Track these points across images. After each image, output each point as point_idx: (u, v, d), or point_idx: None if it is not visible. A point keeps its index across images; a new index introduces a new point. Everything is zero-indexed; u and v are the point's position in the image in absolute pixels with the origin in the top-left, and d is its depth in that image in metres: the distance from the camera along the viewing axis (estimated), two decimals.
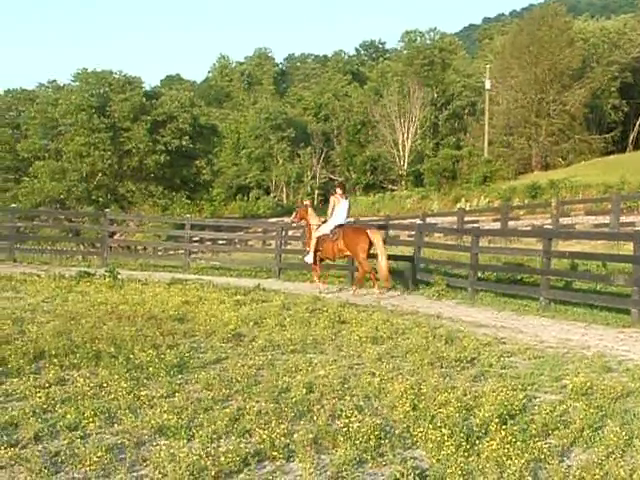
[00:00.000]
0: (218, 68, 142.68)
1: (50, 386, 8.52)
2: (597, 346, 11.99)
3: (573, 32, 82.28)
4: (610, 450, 6.72)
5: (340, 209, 19.78)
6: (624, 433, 7.08)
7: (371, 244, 19.02)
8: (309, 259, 20.32)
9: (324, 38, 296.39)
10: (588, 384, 8.82)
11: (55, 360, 9.49)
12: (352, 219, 21.41)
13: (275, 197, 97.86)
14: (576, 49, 79.31)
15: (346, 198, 20.19)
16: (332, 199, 20.21)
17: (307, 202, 22.52)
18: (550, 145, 77.58)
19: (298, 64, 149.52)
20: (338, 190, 20.11)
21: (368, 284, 19.64)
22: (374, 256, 19.14)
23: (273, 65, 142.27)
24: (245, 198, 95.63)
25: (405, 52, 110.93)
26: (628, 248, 16.26)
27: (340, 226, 19.57)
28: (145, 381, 8.86)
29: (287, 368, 9.66)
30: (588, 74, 79.60)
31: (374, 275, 19.24)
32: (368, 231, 19.39)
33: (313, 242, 19.94)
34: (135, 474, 6.28)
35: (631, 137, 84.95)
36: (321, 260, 20.34)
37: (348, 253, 19.66)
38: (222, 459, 6.36)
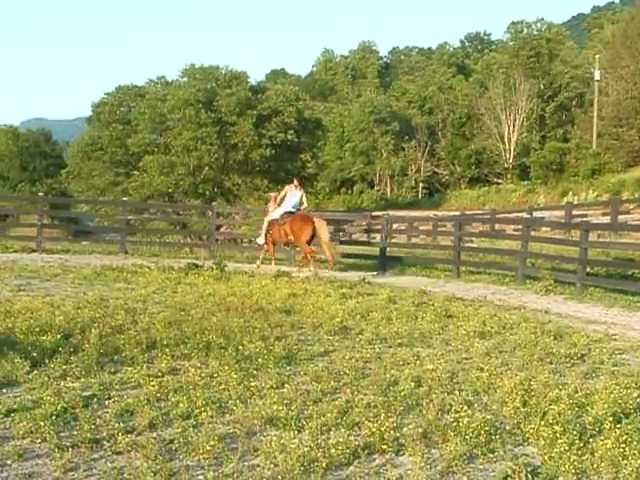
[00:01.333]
0: (322, 62, 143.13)
1: (163, 375, 8.73)
2: None
3: None
4: None
5: (291, 198, 21.89)
6: None
7: (315, 233, 21.10)
8: (260, 240, 22.60)
9: (428, 30, 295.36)
10: None
11: (167, 350, 9.71)
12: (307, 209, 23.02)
13: (379, 190, 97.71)
14: None
15: (300, 190, 22.33)
16: (285, 188, 22.72)
17: (273, 194, 24.08)
18: None
19: (402, 57, 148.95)
20: (294, 182, 22.63)
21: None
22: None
23: (377, 58, 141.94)
24: (349, 191, 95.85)
25: (511, 43, 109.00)
26: None
27: (291, 214, 21.55)
28: (254, 372, 8.98)
29: (395, 361, 9.67)
30: None
31: (312, 257, 21.27)
32: (315, 220, 21.47)
33: (265, 225, 22.16)
34: (247, 463, 6.39)
35: None
36: (273, 243, 22.31)
37: (291, 238, 21.52)
38: (332, 451, 6.41)
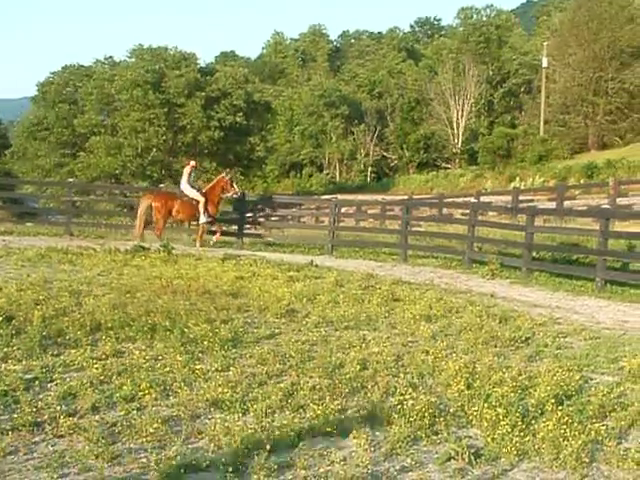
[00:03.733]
0: (272, 45, 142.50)
1: (107, 358, 8.63)
2: None
3: (633, 8, 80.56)
4: None
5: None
6: None
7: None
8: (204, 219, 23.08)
9: (379, 15, 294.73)
10: None
11: (111, 332, 9.59)
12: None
13: (328, 174, 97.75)
14: (636, 26, 77.60)
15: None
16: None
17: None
18: (607, 124, 76.33)
19: (352, 41, 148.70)
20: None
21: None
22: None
23: (327, 42, 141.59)
24: (298, 175, 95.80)
25: (461, 29, 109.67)
26: None
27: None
28: (200, 355, 8.94)
29: (341, 344, 9.69)
30: None
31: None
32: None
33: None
34: (190, 446, 6.36)
35: None
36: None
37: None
38: (277, 433, 6.41)
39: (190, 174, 23.23)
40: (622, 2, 77.60)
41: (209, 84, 62.56)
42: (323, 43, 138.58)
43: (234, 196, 24.19)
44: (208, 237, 23.53)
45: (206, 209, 22.60)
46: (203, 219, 22.72)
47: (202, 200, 22.57)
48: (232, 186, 23.42)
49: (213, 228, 23.70)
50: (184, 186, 22.91)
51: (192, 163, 24.08)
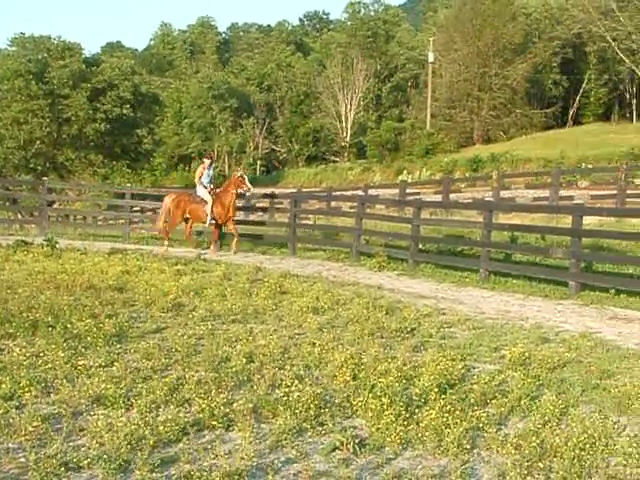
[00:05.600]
0: (160, 36, 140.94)
1: None
2: (535, 317, 12.14)
3: (516, 7, 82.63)
4: (546, 419, 6.82)
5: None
6: (560, 402, 7.19)
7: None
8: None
9: (268, 8, 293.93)
10: (526, 354, 8.92)
11: None
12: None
13: (217, 167, 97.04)
14: (519, 24, 79.74)
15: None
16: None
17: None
18: (492, 119, 78.05)
19: (241, 34, 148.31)
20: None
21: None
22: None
23: (216, 34, 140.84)
24: (187, 168, 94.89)
25: (349, 23, 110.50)
26: (566, 221, 16.48)
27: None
28: (83, 350, 8.77)
29: (227, 338, 9.64)
30: (530, 49, 79.96)
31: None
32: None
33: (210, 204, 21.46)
34: (72, 444, 6.21)
35: (571, 112, 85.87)
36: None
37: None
38: (161, 428, 6.33)
39: (204, 172, 21.77)
40: (505, 0, 79.42)
41: (95, 75, 61.29)
42: (212, 35, 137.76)
43: (247, 193, 22.93)
44: (196, 238, 22.98)
45: (212, 211, 21.17)
46: (207, 221, 21.49)
47: (209, 201, 21.24)
48: (244, 183, 21.34)
49: (231, 228, 21.59)
50: (197, 187, 21.73)
51: (205, 161, 22.39)
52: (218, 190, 21.55)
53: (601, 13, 73.05)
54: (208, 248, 21.68)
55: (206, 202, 21.22)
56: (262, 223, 25.88)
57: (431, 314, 11.92)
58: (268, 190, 42.75)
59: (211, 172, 22.03)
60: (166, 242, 21.39)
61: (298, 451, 6.15)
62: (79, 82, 60.09)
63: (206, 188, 21.45)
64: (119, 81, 62.24)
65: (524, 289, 15.39)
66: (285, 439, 6.36)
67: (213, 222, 21.43)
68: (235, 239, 21.32)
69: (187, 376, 7.83)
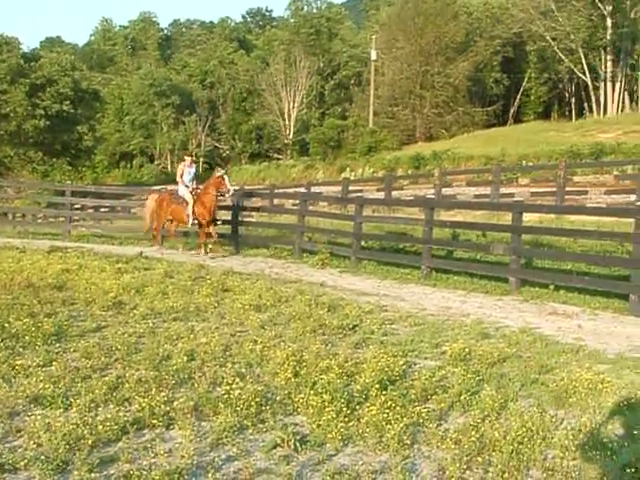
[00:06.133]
0: (100, 32, 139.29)
1: None
2: (476, 313, 12.27)
3: (457, 6, 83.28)
4: (486, 413, 6.89)
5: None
6: (500, 397, 7.27)
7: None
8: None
9: (210, 4, 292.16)
10: (466, 350, 9.01)
11: None
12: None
13: (159, 165, 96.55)
14: (460, 22, 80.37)
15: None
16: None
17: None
18: (434, 117, 78.54)
19: (183, 30, 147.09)
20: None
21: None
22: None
23: (158, 30, 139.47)
24: (128, 165, 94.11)
25: (292, 21, 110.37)
26: (507, 218, 16.63)
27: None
28: (21, 350, 8.66)
29: (168, 336, 9.59)
30: (472, 48, 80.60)
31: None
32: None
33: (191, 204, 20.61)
34: (8, 445, 6.14)
35: (512, 110, 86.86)
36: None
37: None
38: (100, 428, 6.27)
39: (185, 171, 20.92)
40: None
41: (33, 71, 60.54)
42: (153, 31, 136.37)
43: (226, 195, 20.82)
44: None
45: (194, 211, 20.29)
46: (189, 222, 20.56)
47: (190, 202, 20.33)
48: (223, 184, 20.13)
49: (209, 230, 20.47)
50: (179, 186, 20.89)
51: (186, 159, 21.64)
52: (199, 190, 20.59)
53: (540, 13, 74.00)
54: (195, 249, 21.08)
55: (187, 203, 20.38)
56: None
57: (373, 311, 11.97)
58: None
59: (193, 170, 21.19)
60: (157, 243, 21.24)
61: (239, 449, 6.14)
62: (17, 77, 59.32)
63: (188, 187, 20.65)
64: (59, 77, 61.58)
65: (465, 285, 15.54)
66: (226, 437, 6.35)
67: (196, 222, 20.56)
68: (212, 240, 20.48)
69: (127, 375, 7.77)
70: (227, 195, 20.87)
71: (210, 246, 20.35)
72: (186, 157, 21.86)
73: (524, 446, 6.11)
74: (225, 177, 20.39)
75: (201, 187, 20.81)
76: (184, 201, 20.52)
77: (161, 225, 21.32)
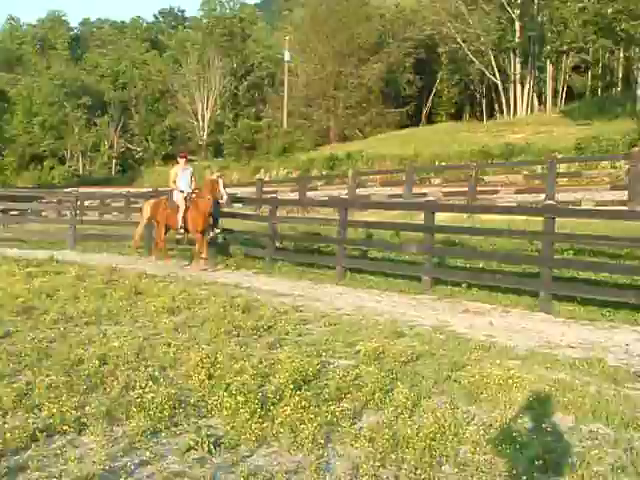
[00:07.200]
0: (7, 30, 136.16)
1: None
2: (390, 312, 12.36)
3: (370, 7, 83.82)
4: (399, 411, 6.94)
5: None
6: (413, 394, 7.34)
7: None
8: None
9: (121, 4, 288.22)
10: (380, 349, 9.08)
11: None
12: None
13: (71, 167, 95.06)
14: (373, 24, 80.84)
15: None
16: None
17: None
18: (348, 117, 78.92)
19: (94, 29, 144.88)
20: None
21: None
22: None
23: (67, 29, 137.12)
24: (39, 167, 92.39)
25: (205, 21, 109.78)
26: (420, 218, 16.81)
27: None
28: None
29: (80, 340, 9.44)
30: (384, 49, 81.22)
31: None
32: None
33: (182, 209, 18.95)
34: None
35: (424, 111, 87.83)
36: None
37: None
38: (8, 436, 6.13)
39: (179, 175, 19.13)
40: (359, 1, 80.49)
41: None
42: (63, 30, 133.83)
43: (220, 200, 18.65)
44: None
45: (184, 217, 18.59)
46: (177, 226, 18.80)
47: (182, 207, 18.64)
48: (217, 189, 18.30)
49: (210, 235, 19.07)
50: (174, 192, 19.00)
51: (180, 160, 19.70)
52: (194, 195, 18.79)
53: (452, 15, 74.96)
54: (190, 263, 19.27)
55: (179, 207, 18.71)
56: (118, 223, 25.46)
57: (288, 312, 11.98)
58: (124, 190, 42.12)
59: (189, 173, 19.24)
60: (162, 257, 19.40)
61: (152, 452, 6.07)
62: None
63: (183, 192, 18.85)
64: None
65: (380, 285, 15.67)
66: (139, 441, 6.27)
67: (182, 231, 18.96)
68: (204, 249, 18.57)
69: (37, 381, 7.61)
70: (221, 201, 18.66)
71: (203, 255, 18.49)
72: (179, 158, 19.90)
73: (437, 442, 6.18)
74: (219, 181, 18.54)
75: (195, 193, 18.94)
76: (177, 207, 18.78)
77: (163, 232, 19.34)
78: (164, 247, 19.59)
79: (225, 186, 18.54)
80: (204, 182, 19.23)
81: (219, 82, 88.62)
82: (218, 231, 19.37)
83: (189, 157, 21.66)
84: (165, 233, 19.34)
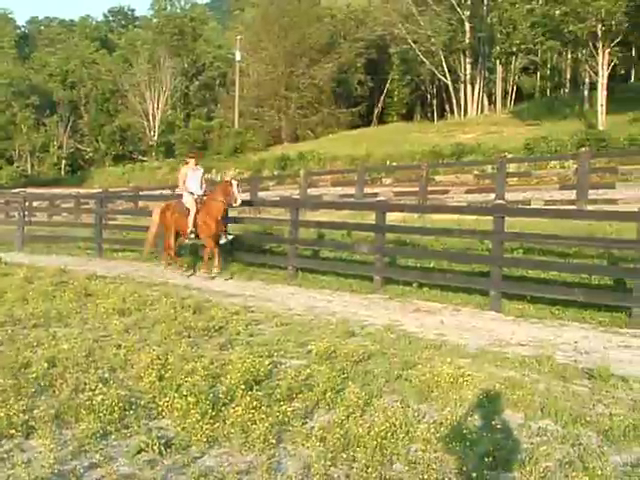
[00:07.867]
0: None
1: None
2: (342, 312, 12.39)
3: (321, 8, 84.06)
4: (351, 410, 6.95)
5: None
6: (364, 394, 7.35)
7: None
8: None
9: (70, 2, 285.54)
10: (332, 348, 9.10)
11: None
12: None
13: (19, 167, 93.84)
14: (324, 25, 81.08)
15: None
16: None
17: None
18: (299, 118, 79.02)
19: (42, 28, 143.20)
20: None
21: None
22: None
23: (14, 27, 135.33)
24: None
25: (155, 20, 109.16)
26: (371, 218, 16.84)
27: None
28: None
29: (28, 343, 9.35)
30: (336, 49, 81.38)
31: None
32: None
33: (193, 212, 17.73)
34: None
35: (376, 111, 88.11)
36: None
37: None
38: None
39: (189, 176, 17.76)
40: (310, 1, 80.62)
41: None
42: (10, 28, 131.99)
43: (233, 204, 17.19)
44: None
45: (194, 222, 17.39)
46: (187, 231, 17.55)
47: (193, 210, 17.40)
48: (230, 192, 16.92)
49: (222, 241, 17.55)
50: (184, 195, 17.79)
51: (189, 161, 18.25)
52: (205, 197, 17.53)
53: (402, 16, 75.35)
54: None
55: (190, 211, 17.50)
56: (67, 224, 25.21)
57: (239, 312, 11.95)
58: (74, 190, 41.73)
59: (200, 174, 17.97)
60: (171, 261, 18.33)
61: (102, 455, 6.03)
62: None
63: (193, 195, 17.62)
64: None
65: (332, 285, 15.69)
66: (88, 444, 6.23)
67: (192, 236, 17.71)
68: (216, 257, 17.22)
69: None
70: (234, 205, 17.28)
71: (216, 263, 17.11)
72: (188, 159, 18.50)
73: (388, 441, 6.21)
74: (234, 183, 17.18)
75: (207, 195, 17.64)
76: (188, 210, 17.55)
77: (173, 238, 18.02)
78: (174, 254, 18.39)
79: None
80: (218, 185, 18.44)
81: (170, 82, 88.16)
82: (231, 237, 17.86)
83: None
84: (176, 239, 18.15)
